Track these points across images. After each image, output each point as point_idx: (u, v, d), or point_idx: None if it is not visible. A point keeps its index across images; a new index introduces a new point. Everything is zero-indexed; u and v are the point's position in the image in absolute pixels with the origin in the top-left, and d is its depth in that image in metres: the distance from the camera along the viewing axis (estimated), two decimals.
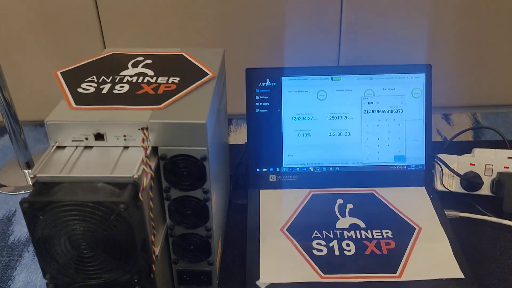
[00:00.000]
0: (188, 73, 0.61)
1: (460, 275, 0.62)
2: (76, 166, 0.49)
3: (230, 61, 1.00)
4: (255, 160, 0.77)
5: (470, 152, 0.80)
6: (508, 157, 0.77)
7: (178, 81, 0.59)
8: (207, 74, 0.61)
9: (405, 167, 0.77)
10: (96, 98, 0.55)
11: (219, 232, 0.65)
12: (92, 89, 0.57)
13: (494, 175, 0.74)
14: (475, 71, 1.40)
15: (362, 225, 0.70)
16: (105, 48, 1.01)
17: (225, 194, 0.74)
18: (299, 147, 0.77)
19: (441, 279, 0.61)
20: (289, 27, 0.98)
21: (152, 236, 0.51)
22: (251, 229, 0.70)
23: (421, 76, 0.76)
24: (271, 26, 0.98)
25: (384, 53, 1.05)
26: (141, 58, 0.65)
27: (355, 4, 0.97)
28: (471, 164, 0.75)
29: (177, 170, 0.53)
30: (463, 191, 0.75)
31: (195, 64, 0.64)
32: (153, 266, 0.51)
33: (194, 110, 0.53)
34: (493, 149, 0.78)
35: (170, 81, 0.59)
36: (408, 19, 1.05)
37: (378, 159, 0.77)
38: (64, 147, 0.52)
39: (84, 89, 0.57)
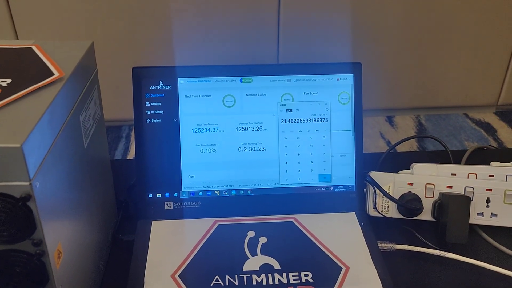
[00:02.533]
0: (26, 73, 0.44)
1: None
2: None
3: (138, 59, 0.84)
4: (146, 183, 0.61)
5: (409, 168, 0.67)
6: (452, 174, 0.65)
7: (8, 84, 0.42)
8: (53, 74, 0.44)
9: (331, 188, 0.63)
10: None
11: None
12: None
13: (436, 197, 0.62)
14: (418, 73, 1.32)
15: (277, 265, 0.55)
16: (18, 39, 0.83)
17: (103, 230, 0.57)
18: (201, 166, 0.61)
19: None
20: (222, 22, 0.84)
21: None
22: (133, 276, 0.54)
23: (349, 78, 0.63)
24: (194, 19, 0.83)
25: (325, 54, 0.93)
26: None
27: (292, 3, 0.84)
28: (409, 184, 0.62)
29: None
30: (400, 216, 0.62)
31: (42, 61, 0.47)
32: None
33: (10, 128, 0.36)
34: (434, 164, 0.65)
35: None
36: (350, 17, 0.94)
37: (299, 179, 0.63)
38: None
39: None
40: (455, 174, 0.65)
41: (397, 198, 0.62)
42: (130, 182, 0.70)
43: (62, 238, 0.42)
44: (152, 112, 0.61)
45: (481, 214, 0.62)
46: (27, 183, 0.35)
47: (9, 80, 0.43)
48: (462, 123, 1.42)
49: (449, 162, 0.74)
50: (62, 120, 0.43)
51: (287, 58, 0.95)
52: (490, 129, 1.77)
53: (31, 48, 0.50)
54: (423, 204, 0.61)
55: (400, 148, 1.40)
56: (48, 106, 0.39)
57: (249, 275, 0.54)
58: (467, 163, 0.75)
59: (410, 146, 1.52)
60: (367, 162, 0.71)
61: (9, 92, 0.41)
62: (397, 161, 0.77)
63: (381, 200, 0.63)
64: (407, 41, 1.16)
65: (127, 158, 1.07)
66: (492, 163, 0.68)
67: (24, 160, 0.35)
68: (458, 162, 0.75)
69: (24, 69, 0.45)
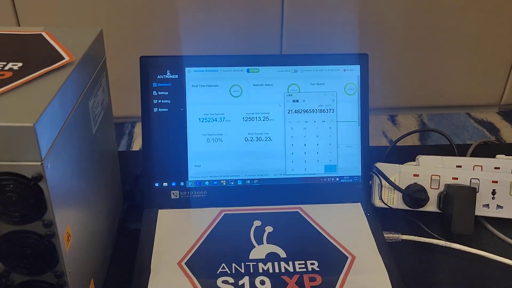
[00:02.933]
0: (37, 57, 0.44)
1: None
2: None
3: (144, 50, 0.84)
4: (152, 172, 0.61)
5: (414, 160, 0.67)
6: (457, 166, 0.65)
7: (19, 67, 0.42)
8: (63, 58, 0.44)
9: (337, 179, 0.63)
10: None
11: (90, 274, 0.49)
12: None
13: (442, 188, 0.62)
14: (421, 72, 1.32)
15: (283, 254, 0.55)
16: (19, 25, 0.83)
17: (110, 218, 0.57)
18: (208, 155, 0.62)
19: None
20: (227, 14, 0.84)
21: None
22: (140, 264, 0.54)
23: (356, 69, 0.63)
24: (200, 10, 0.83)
25: (329, 47, 0.93)
26: None
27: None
28: (414, 175, 0.62)
29: (0, 194, 0.37)
30: (406, 207, 0.63)
31: (52, 46, 0.47)
32: None
33: (22, 108, 0.36)
34: (439, 156, 0.66)
35: (7, 68, 0.42)
36: (353, 16, 0.94)
37: (305, 169, 0.63)
38: None
39: None
40: (460, 166, 0.65)
41: (403, 189, 0.62)
42: (136, 172, 0.70)
43: (72, 221, 0.42)
44: (159, 101, 0.61)
45: (487, 205, 0.62)
46: (39, 163, 0.36)
47: (20, 64, 0.43)
48: (465, 123, 1.42)
49: (454, 155, 0.74)
50: (72, 104, 0.43)
51: (290, 49, 0.95)
52: (493, 129, 1.77)
53: (41, 34, 0.50)
54: (428, 195, 0.61)
55: (404, 143, 1.40)
56: (59, 88, 0.39)
57: (255, 263, 0.54)
58: (472, 156, 0.75)
59: (413, 142, 1.52)
60: (372, 156, 0.71)
61: (21, 75, 0.41)
62: (402, 155, 0.77)
63: (386, 191, 0.63)
64: (410, 41, 1.16)
65: (133, 150, 1.08)
66: (497, 156, 0.69)
67: (36, 140, 0.35)
68: (463, 155, 0.75)
69: (34, 53, 0.45)
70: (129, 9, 0.84)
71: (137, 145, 0.88)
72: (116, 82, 1.06)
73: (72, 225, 0.43)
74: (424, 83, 1.45)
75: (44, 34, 0.50)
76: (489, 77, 1.63)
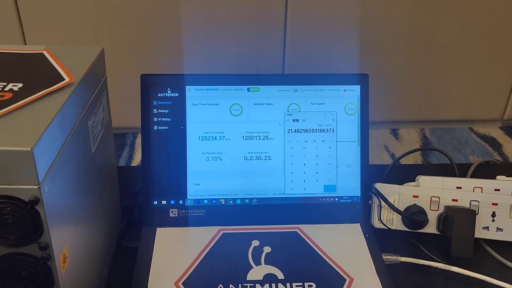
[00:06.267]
0: (38, 78, 0.45)
1: None
2: None
3: (145, 67, 0.85)
4: (151, 190, 0.61)
5: (414, 180, 0.67)
6: (457, 187, 0.65)
7: (19, 88, 0.43)
8: (64, 79, 0.44)
9: (336, 199, 0.63)
10: None
11: None
12: None
13: (441, 210, 0.62)
14: (423, 85, 1.32)
15: (280, 275, 0.55)
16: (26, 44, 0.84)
17: (108, 236, 0.57)
18: (207, 174, 0.62)
19: None
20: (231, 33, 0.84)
21: None
22: (136, 283, 0.54)
23: (356, 89, 0.63)
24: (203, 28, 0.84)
25: (331, 66, 0.93)
26: None
27: (299, 15, 0.84)
28: (414, 196, 0.62)
29: None
30: (405, 229, 0.62)
31: (53, 66, 0.47)
32: None
33: (21, 131, 0.36)
34: (439, 177, 0.65)
35: (7, 89, 0.42)
36: (355, 29, 0.95)
37: (304, 189, 0.63)
38: None
39: None
40: (460, 188, 0.65)
41: (402, 210, 0.62)
42: (135, 189, 0.70)
43: (68, 243, 0.42)
44: (159, 119, 0.61)
45: (487, 228, 0.62)
46: (36, 187, 0.36)
47: (20, 85, 0.43)
48: (467, 137, 1.42)
49: (454, 176, 0.74)
50: (71, 125, 0.43)
51: (292, 69, 0.95)
52: (495, 144, 1.76)
53: (42, 53, 0.50)
54: (428, 217, 0.61)
55: (405, 161, 1.39)
56: (58, 110, 0.39)
57: (252, 284, 0.54)
58: (472, 177, 0.75)
59: (415, 159, 1.52)
60: (372, 174, 0.71)
61: (21, 96, 0.41)
62: (402, 174, 0.77)
63: (386, 212, 0.62)
64: (412, 54, 1.16)
65: (132, 165, 1.08)
66: (498, 177, 0.68)
67: (34, 164, 0.35)
68: (463, 175, 0.75)
69: (35, 74, 0.46)
70: (133, 25, 0.85)
71: (138, 156, 0.88)
72: (117, 93, 1.07)
73: (69, 247, 0.43)
74: (427, 97, 1.44)
75: (45, 53, 0.50)
76: (492, 92, 1.63)
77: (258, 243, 0.59)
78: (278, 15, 0.86)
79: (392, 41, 1.01)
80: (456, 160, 1.57)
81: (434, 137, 1.18)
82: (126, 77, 0.92)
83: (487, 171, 0.77)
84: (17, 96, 0.41)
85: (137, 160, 0.90)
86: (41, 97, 0.41)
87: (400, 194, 0.62)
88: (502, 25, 1.16)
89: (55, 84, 0.43)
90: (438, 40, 1.08)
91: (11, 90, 0.42)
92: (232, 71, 0.91)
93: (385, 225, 0.62)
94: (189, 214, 0.62)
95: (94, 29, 0.84)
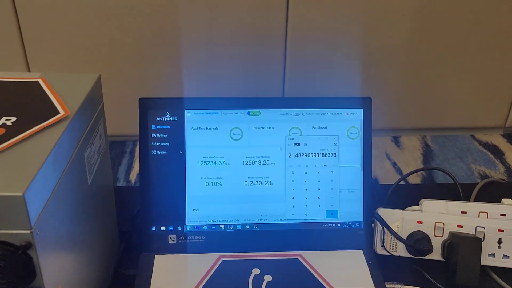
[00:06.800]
0: (32, 111, 0.43)
1: None
2: None
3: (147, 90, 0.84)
4: (150, 216, 0.60)
5: (418, 203, 0.66)
6: (462, 212, 0.63)
7: (13, 122, 0.42)
8: (58, 112, 0.43)
9: (338, 225, 0.62)
10: None
11: None
12: None
13: (446, 236, 0.60)
14: (425, 93, 1.31)
15: None
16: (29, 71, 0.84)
17: (105, 265, 0.56)
18: (207, 199, 0.60)
19: None
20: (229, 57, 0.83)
21: None
22: None
23: (359, 112, 0.62)
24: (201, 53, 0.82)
25: (332, 81, 0.92)
26: None
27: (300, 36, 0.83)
28: (418, 222, 0.61)
29: None
30: (409, 255, 0.61)
31: (48, 97, 0.46)
32: None
33: (12, 174, 0.35)
34: (444, 201, 0.64)
35: (0, 123, 0.41)
36: (357, 40, 0.94)
37: (306, 214, 0.61)
38: None
39: None
40: (465, 212, 0.63)
41: (405, 237, 0.60)
42: (133, 210, 0.69)
43: (62, 281, 0.41)
44: (158, 143, 0.60)
45: (493, 255, 0.60)
46: (28, 231, 0.35)
47: (14, 119, 0.42)
48: (469, 145, 1.40)
49: (458, 195, 0.72)
50: (66, 160, 0.42)
51: (293, 92, 0.94)
52: (497, 152, 1.74)
53: (37, 81, 0.49)
54: (432, 244, 0.60)
55: (408, 176, 1.38)
56: (52, 148, 0.38)
57: None
58: (477, 197, 0.74)
59: (418, 174, 1.50)
60: (374, 194, 0.69)
61: (14, 132, 0.40)
62: (405, 194, 0.76)
63: (389, 238, 0.61)
64: (414, 61, 1.15)
65: (131, 175, 1.07)
66: (503, 200, 0.67)
67: (25, 209, 0.34)
68: (467, 195, 0.74)
69: (29, 106, 0.44)
70: (131, 49, 0.84)
71: (138, 164, 0.87)
72: (116, 100, 1.06)
73: (64, 285, 0.41)
74: (428, 104, 1.43)
75: (40, 81, 0.49)
76: (494, 99, 1.61)
77: (259, 272, 0.58)
78: (278, 36, 0.85)
79: (394, 49, 1.00)
80: (458, 169, 1.56)
81: (436, 144, 1.17)
82: (125, 83, 0.91)
83: (491, 190, 0.76)
84: (10, 132, 0.40)
85: (136, 169, 0.89)
86: (34, 133, 0.40)
87: (403, 220, 0.61)
88: (504, 32, 1.15)
89: (50, 118, 0.42)
90: (439, 48, 1.07)
91: (4, 125, 0.41)
92: (231, 94, 0.90)
93: (388, 252, 0.61)
94: (188, 241, 0.60)
95: (97, 51, 0.84)
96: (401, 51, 1.02)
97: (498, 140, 1.47)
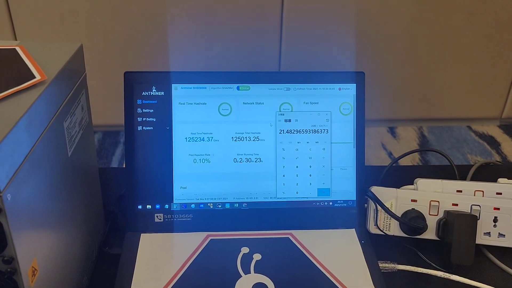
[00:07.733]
0: (6, 76, 0.41)
1: None
2: None
3: (135, 64, 0.81)
4: (136, 194, 0.58)
5: (412, 182, 0.64)
6: (457, 190, 0.62)
7: None
8: (34, 77, 0.41)
9: (330, 203, 0.60)
10: None
11: None
12: None
13: (441, 214, 0.59)
14: (421, 83, 1.29)
15: (271, 285, 0.52)
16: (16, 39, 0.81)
17: (88, 243, 0.54)
18: (194, 177, 0.58)
19: None
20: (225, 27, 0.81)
21: None
22: None
23: (352, 87, 0.60)
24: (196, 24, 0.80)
25: (328, 62, 0.90)
26: None
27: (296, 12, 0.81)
28: (412, 201, 0.59)
29: None
30: (403, 234, 0.59)
31: (24, 63, 0.44)
32: None
33: None
34: (439, 180, 0.62)
35: None
36: (353, 26, 0.92)
37: (297, 193, 0.59)
38: None
39: None
40: (461, 191, 0.62)
41: (400, 215, 0.59)
42: (120, 192, 0.67)
43: (39, 254, 0.39)
44: (144, 119, 0.58)
45: (488, 234, 0.59)
46: None
47: None
48: (466, 136, 1.39)
49: (454, 177, 0.71)
50: (42, 127, 0.40)
51: (289, 66, 0.92)
52: (493, 143, 1.74)
53: (14, 49, 0.47)
54: (427, 222, 0.58)
55: (403, 162, 1.36)
56: (26, 111, 0.36)
57: None
58: (473, 178, 0.72)
59: (413, 159, 1.49)
60: (368, 176, 0.68)
61: None
62: (399, 176, 0.74)
63: (382, 216, 0.59)
64: (411, 52, 1.13)
65: (123, 164, 1.04)
66: (499, 179, 0.65)
67: None
68: (463, 177, 0.72)
69: (4, 71, 0.42)
70: (125, 21, 0.82)
71: (119, 158, 0.85)
72: (110, 90, 1.04)
73: (39, 258, 0.39)
74: (425, 95, 1.42)
75: (18, 49, 0.47)
76: (490, 90, 1.60)
77: (248, 250, 0.56)
78: (274, 10, 0.83)
79: (390, 39, 0.99)
80: (455, 159, 1.54)
81: (432, 135, 1.16)
82: (119, 73, 0.89)
83: (487, 172, 0.74)
84: None
85: (115, 163, 0.87)
86: (8, 96, 0.38)
87: (397, 198, 0.59)
88: (500, 24, 1.13)
89: (25, 83, 0.40)
90: (436, 38, 1.05)
91: None
92: (226, 69, 0.88)
93: (381, 231, 0.59)
94: (175, 219, 0.59)
95: (86, 23, 0.81)
96: (399, 41, 1.00)
97: (494, 131, 1.46)
